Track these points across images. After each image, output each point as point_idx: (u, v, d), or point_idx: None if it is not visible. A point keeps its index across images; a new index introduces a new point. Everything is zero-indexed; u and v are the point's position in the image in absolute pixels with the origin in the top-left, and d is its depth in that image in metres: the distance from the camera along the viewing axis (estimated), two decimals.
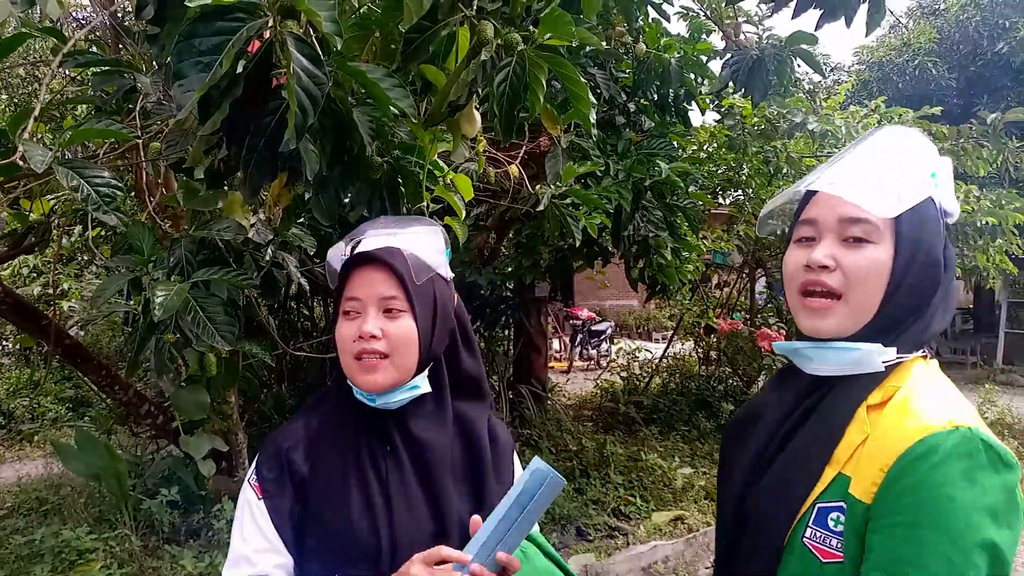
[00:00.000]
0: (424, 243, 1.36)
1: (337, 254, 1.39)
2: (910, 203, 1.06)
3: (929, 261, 1.08)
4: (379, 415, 1.30)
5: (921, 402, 1.03)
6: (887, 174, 1.07)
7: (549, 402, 7.23)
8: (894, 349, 1.08)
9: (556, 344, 13.16)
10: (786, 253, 1.16)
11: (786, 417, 1.12)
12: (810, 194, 1.15)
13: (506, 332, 7.46)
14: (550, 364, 9.76)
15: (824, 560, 1.00)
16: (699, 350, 8.90)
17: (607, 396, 8.13)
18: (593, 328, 12.74)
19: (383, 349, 1.26)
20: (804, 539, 1.02)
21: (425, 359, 1.32)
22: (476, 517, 1.22)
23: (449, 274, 1.41)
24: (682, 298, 8.45)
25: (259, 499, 1.27)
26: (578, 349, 12.64)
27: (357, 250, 1.33)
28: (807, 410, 1.11)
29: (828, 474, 1.03)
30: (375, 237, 1.35)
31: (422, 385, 1.32)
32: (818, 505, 1.02)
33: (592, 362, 12.29)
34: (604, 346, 12.59)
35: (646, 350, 9.49)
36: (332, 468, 1.27)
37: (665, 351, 9.17)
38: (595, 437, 6.51)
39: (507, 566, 1.17)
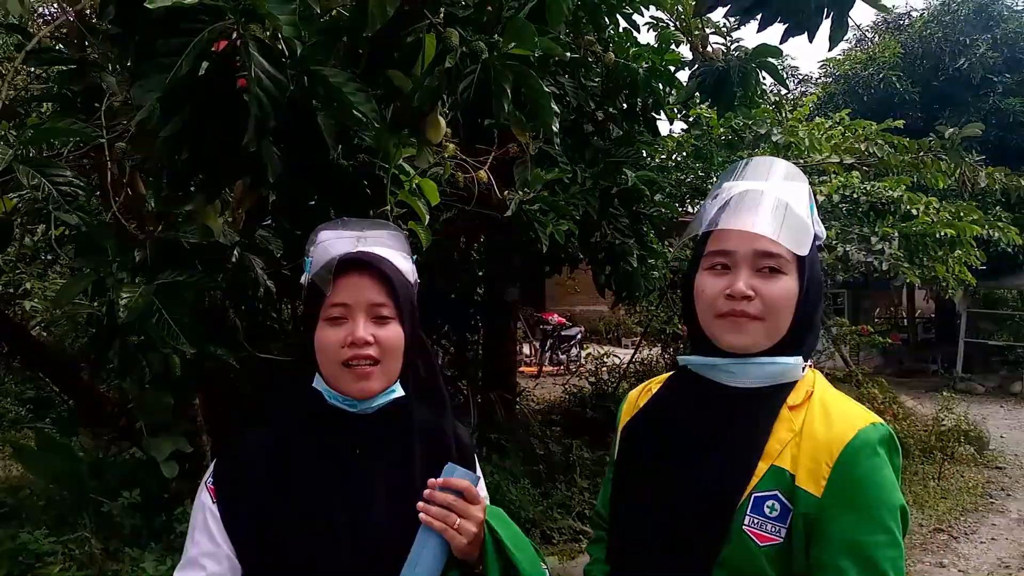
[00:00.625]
0: (395, 247, 1.38)
1: (322, 257, 1.33)
2: (811, 239, 1.24)
3: (818, 283, 1.27)
4: (349, 420, 1.30)
5: (840, 405, 1.23)
6: (794, 214, 1.22)
7: (518, 407, 7.26)
8: (800, 357, 1.24)
9: (526, 349, 13.19)
10: (697, 277, 1.27)
11: (708, 422, 1.24)
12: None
13: (475, 337, 7.47)
14: (519, 369, 9.79)
15: (761, 544, 1.14)
16: (666, 356, 8.98)
17: (575, 401, 8.17)
18: (563, 333, 12.81)
19: (375, 355, 1.27)
20: (744, 527, 1.14)
21: (405, 365, 1.34)
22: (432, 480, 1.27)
23: (416, 278, 1.42)
24: (649, 304, 8.53)
25: (213, 502, 1.28)
26: (548, 354, 12.70)
27: (330, 256, 1.31)
28: (730, 415, 1.22)
29: (761, 467, 1.16)
30: (339, 241, 1.34)
31: (398, 390, 1.34)
32: (754, 495, 1.15)
33: (561, 367, 12.33)
34: (574, 351, 12.66)
35: (615, 355, 9.56)
36: (296, 472, 1.27)
37: (633, 357, 9.25)
38: (562, 442, 6.55)
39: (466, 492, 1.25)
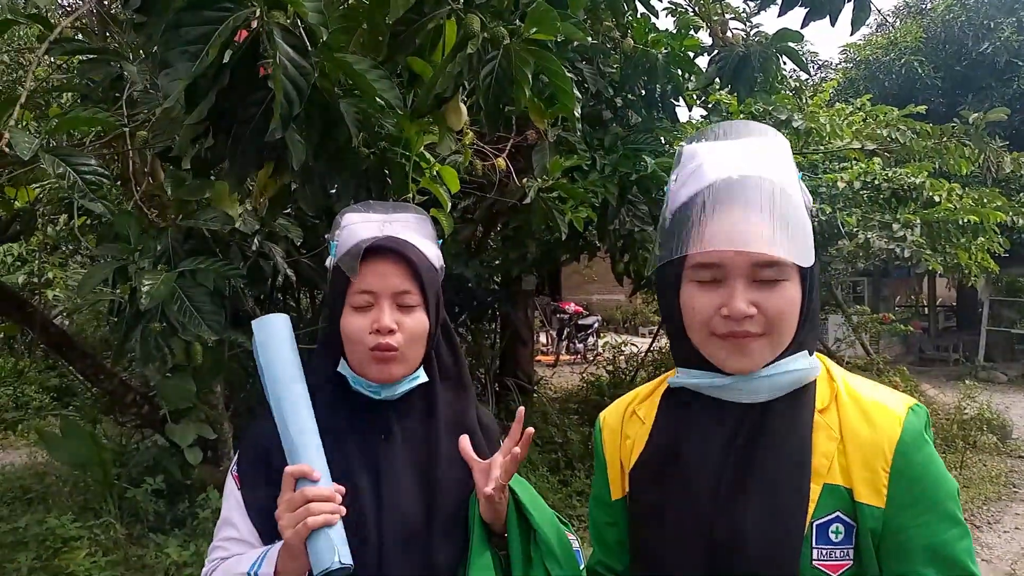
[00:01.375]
0: (421, 232, 1.37)
1: (348, 241, 1.32)
2: (811, 235, 1.05)
3: (816, 275, 1.10)
4: (375, 405, 1.30)
5: (870, 394, 1.09)
6: (791, 209, 1.03)
7: (535, 395, 7.27)
8: (806, 353, 1.08)
9: (543, 338, 13.20)
10: (682, 291, 1.08)
11: (728, 446, 1.07)
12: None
13: (493, 325, 7.49)
14: (536, 358, 9.80)
15: (835, 575, 1.02)
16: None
17: (593, 390, 8.16)
18: (580, 322, 12.81)
19: (400, 342, 1.27)
20: (814, 563, 1.01)
21: (429, 351, 1.34)
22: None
23: (442, 263, 1.41)
24: None
25: (238, 488, 1.29)
26: (565, 343, 12.69)
27: (356, 240, 1.30)
28: (754, 436, 1.06)
29: (814, 489, 1.02)
30: (365, 224, 1.33)
31: (422, 376, 1.33)
32: (816, 524, 1.02)
33: (578, 356, 12.33)
34: (591, 340, 12.65)
35: (632, 344, 9.54)
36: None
37: (651, 345, 9.22)
38: (580, 430, 6.55)
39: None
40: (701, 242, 1.02)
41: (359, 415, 1.30)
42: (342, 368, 1.32)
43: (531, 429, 1.25)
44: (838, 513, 1.02)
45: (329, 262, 1.36)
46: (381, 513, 1.25)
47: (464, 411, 1.40)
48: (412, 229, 1.35)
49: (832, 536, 1.01)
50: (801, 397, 1.07)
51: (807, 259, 1.02)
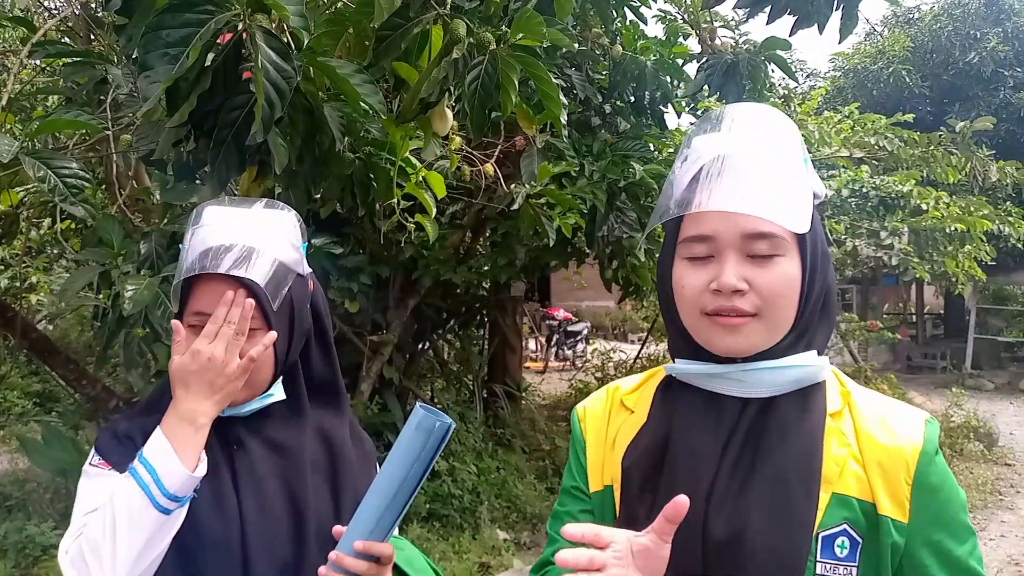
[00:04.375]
0: (278, 236, 1.24)
1: (197, 247, 1.19)
2: (810, 208, 0.99)
3: (826, 259, 1.04)
4: (224, 421, 1.22)
5: (886, 403, 1.05)
6: (786, 179, 0.97)
7: (523, 402, 7.25)
8: (815, 352, 1.02)
9: (532, 344, 13.18)
10: (674, 270, 1.03)
11: (727, 442, 1.00)
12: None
13: (481, 331, 7.47)
14: (525, 364, 9.78)
15: None
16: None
17: (581, 396, 8.16)
18: (569, 329, 12.78)
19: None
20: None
21: (281, 370, 1.25)
22: (338, 527, 1.16)
23: (306, 269, 1.29)
24: (656, 299, 8.50)
25: (106, 470, 1.19)
26: (554, 349, 12.67)
27: (203, 249, 1.18)
28: (756, 434, 0.99)
29: (823, 499, 0.96)
30: (220, 226, 1.20)
31: (276, 393, 1.26)
32: (822, 535, 0.95)
33: (567, 363, 12.32)
34: (580, 347, 12.63)
35: (621, 351, 9.55)
36: None
37: (639, 352, 9.23)
38: (568, 437, 6.54)
39: (380, 555, 1.12)
40: (690, 207, 0.97)
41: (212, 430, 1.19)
42: None
43: None
44: (845, 526, 0.96)
45: (178, 268, 1.23)
46: (244, 522, 1.18)
47: (333, 426, 1.33)
48: (273, 233, 1.23)
49: (837, 551, 0.95)
50: (810, 397, 1.01)
51: (798, 224, 0.95)
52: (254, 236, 1.20)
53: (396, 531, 1.20)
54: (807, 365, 1.00)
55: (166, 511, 1.11)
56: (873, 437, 0.98)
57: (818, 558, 0.94)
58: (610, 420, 1.15)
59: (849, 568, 0.95)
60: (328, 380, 1.33)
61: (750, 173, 0.96)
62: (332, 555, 1.10)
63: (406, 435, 1.09)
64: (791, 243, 0.98)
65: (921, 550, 0.96)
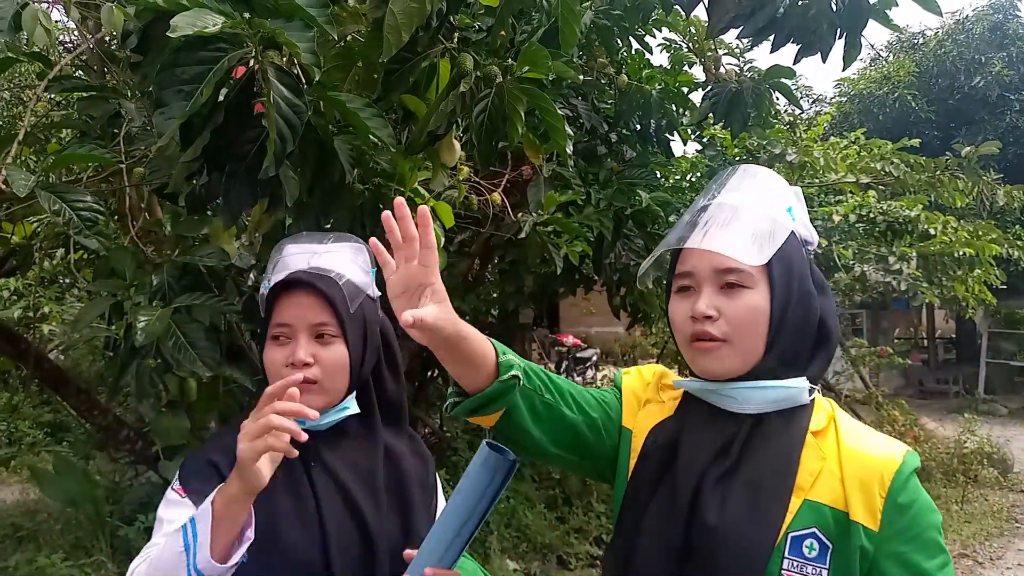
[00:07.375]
0: (348, 262, 1.36)
1: (279, 273, 1.34)
2: (775, 247, 1.12)
3: (803, 293, 1.16)
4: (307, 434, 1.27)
5: (870, 432, 1.18)
6: (752, 222, 1.13)
7: None
8: (804, 378, 1.15)
9: None
10: (670, 303, 1.20)
11: (719, 453, 1.13)
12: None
13: None
14: None
15: None
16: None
17: None
18: (579, 355, 12.74)
19: (314, 375, 1.27)
20: (783, 572, 1.06)
21: (355, 382, 1.33)
22: (408, 551, 1.21)
23: (376, 292, 1.39)
24: (665, 325, 8.48)
25: (182, 498, 1.24)
26: (563, 375, 12.62)
27: (284, 273, 1.32)
28: (743, 444, 1.13)
29: (794, 502, 1.08)
30: (297, 256, 1.35)
31: (351, 407, 1.33)
32: (791, 535, 1.07)
33: None
34: (589, 373, 12.58)
35: None
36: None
37: None
38: None
39: None
40: (675, 245, 1.16)
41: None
42: None
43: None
44: (815, 529, 1.07)
45: (261, 293, 1.35)
46: (326, 538, 1.24)
47: (398, 449, 1.40)
48: (343, 258, 1.35)
49: (806, 551, 1.06)
50: (795, 416, 1.14)
51: (754, 259, 1.10)
52: (328, 260, 1.33)
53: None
54: (789, 387, 1.13)
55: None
56: (854, 452, 1.11)
57: (785, 554, 1.06)
58: (649, 392, 1.30)
59: (819, 569, 1.06)
60: (397, 402, 1.42)
61: (720, 218, 1.14)
62: None
63: (473, 470, 1.17)
64: (759, 277, 1.13)
65: (887, 560, 1.06)
